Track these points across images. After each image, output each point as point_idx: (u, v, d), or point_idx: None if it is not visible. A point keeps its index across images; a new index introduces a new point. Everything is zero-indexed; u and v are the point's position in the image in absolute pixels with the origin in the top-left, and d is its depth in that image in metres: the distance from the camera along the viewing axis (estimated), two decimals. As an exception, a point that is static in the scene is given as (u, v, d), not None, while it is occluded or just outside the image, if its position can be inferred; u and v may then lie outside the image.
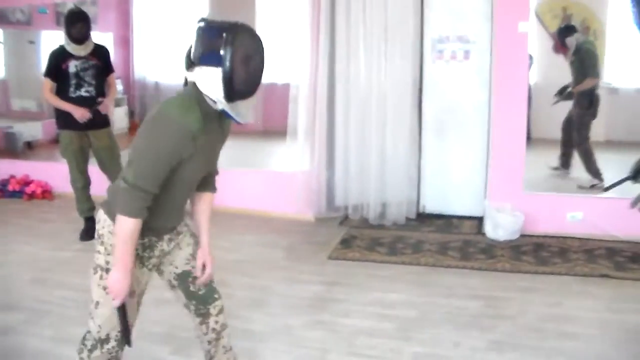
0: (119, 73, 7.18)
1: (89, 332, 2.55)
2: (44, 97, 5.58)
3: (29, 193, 7.26)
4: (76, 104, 5.44)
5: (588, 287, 4.55)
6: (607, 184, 5.83)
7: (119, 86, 7.69)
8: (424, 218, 6.28)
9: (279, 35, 6.85)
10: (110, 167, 5.62)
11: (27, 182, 7.38)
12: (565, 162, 6.70)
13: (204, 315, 2.75)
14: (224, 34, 2.22)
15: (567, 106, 6.60)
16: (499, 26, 5.64)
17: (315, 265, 5.07)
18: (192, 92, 2.33)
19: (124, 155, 5.63)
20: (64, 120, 5.49)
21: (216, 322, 2.78)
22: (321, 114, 6.15)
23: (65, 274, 4.85)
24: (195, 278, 2.69)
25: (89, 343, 2.55)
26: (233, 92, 2.26)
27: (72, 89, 5.44)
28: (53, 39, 6.95)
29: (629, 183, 2.87)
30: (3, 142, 8.34)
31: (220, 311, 2.79)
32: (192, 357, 3.47)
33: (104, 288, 2.45)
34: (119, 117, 8.46)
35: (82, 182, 5.66)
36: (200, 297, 2.72)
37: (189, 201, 2.69)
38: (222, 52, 2.21)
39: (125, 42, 8.64)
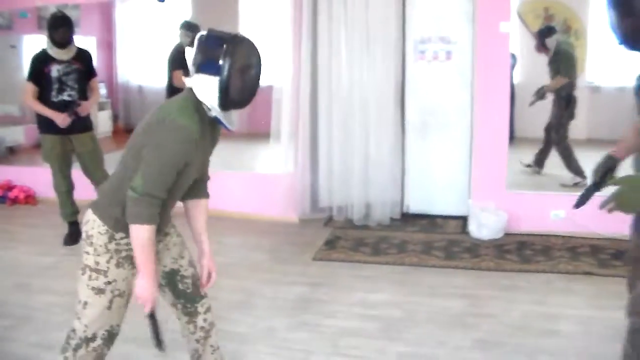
0: (102, 77, 7.16)
1: (73, 331, 2.56)
2: (26, 101, 5.54)
3: (12, 198, 7.21)
4: (58, 108, 5.41)
5: (571, 285, 4.58)
6: (589, 181, 5.89)
7: (102, 90, 7.68)
8: (408, 218, 6.29)
9: (262, 38, 6.84)
10: (94, 171, 5.60)
11: (9, 187, 7.33)
12: (539, 161, 6.75)
13: (191, 314, 2.76)
14: (225, 45, 2.32)
15: (550, 106, 6.66)
16: (481, 26, 5.67)
17: (300, 267, 5.07)
18: (189, 97, 2.41)
19: (108, 159, 5.62)
20: (46, 124, 5.46)
21: (204, 320, 2.79)
22: (304, 116, 6.16)
23: (50, 279, 4.83)
24: (183, 276, 2.72)
25: (73, 342, 2.56)
26: (228, 101, 2.36)
27: (54, 93, 5.41)
28: (35, 43, 6.92)
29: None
30: (-16, 148, 8.29)
31: (208, 309, 2.81)
32: (178, 359, 3.46)
33: (93, 289, 2.49)
34: (102, 121, 8.44)
35: (65, 187, 5.63)
36: (188, 296, 2.74)
37: (184, 210, 2.76)
38: (221, 62, 2.31)
39: (108, 45, 8.62)
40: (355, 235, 5.83)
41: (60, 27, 5.36)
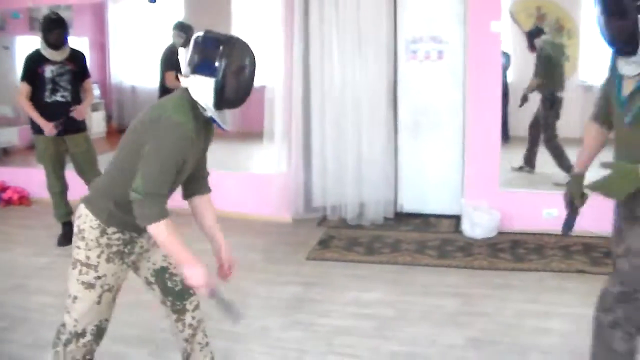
0: (95, 77, 7.15)
1: (63, 325, 2.61)
2: (19, 102, 5.54)
3: (5, 199, 7.20)
4: (52, 108, 5.42)
5: (564, 283, 4.61)
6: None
7: (96, 91, 7.66)
8: (402, 217, 6.31)
9: (254, 38, 6.85)
10: (88, 172, 5.60)
11: (3, 189, 7.32)
12: (529, 160, 6.78)
13: (180, 312, 2.78)
14: (221, 47, 2.37)
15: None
16: (472, 26, 5.69)
17: (294, 266, 5.08)
18: (185, 97, 2.44)
19: (102, 160, 5.62)
20: (39, 125, 5.46)
21: (193, 317, 2.81)
22: (297, 115, 6.17)
23: (44, 280, 4.83)
24: (172, 274, 2.74)
25: (63, 337, 2.60)
26: (223, 101, 2.41)
27: (47, 94, 5.42)
28: (27, 44, 6.91)
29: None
30: (-22, 149, 8.28)
31: (197, 307, 2.83)
32: (170, 359, 3.48)
33: (83, 283, 2.53)
34: (96, 122, 8.42)
35: (59, 188, 5.64)
36: (177, 293, 2.76)
37: (191, 211, 2.81)
38: (217, 63, 2.36)
39: (100, 46, 8.61)
40: (349, 235, 5.85)
41: (54, 29, 5.36)
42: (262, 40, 6.21)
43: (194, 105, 2.43)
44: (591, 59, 7.09)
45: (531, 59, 6.80)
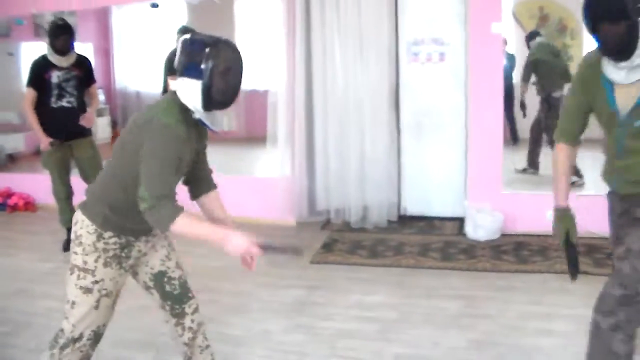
0: (100, 83, 7.18)
1: (61, 330, 2.63)
2: (24, 107, 5.55)
3: (11, 205, 7.25)
4: (58, 114, 5.46)
5: (567, 285, 4.54)
6: (582, 180, 5.98)
7: (101, 96, 7.70)
8: (405, 220, 6.31)
9: (258, 43, 6.90)
10: (93, 177, 5.53)
11: (9, 195, 7.37)
12: (532, 162, 6.79)
13: (179, 315, 2.79)
14: (207, 49, 2.37)
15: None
16: (473, 27, 5.70)
17: (297, 270, 5.08)
18: (174, 99, 2.46)
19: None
20: (45, 130, 5.48)
21: (192, 320, 2.82)
22: (300, 119, 6.20)
23: (49, 285, 4.85)
24: (170, 278, 2.75)
25: (61, 341, 2.61)
26: (211, 103, 2.41)
27: (53, 99, 5.45)
28: (32, 50, 6.95)
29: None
30: (-16, 155, 8.33)
31: (196, 310, 2.84)
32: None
33: (80, 288, 2.55)
34: (101, 127, 8.45)
35: (64, 193, 5.66)
36: (175, 297, 2.77)
37: (201, 210, 2.80)
38: (203, 65, 2.36)
39: (105, 52, 8.65)
40: (353, 238, 5.85)
41: (61, 35, 5.39)
42: (265, 45, 6.25)
43: (183, 108, 2.44)
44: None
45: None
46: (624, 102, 2.45)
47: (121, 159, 2.50)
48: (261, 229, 6.13)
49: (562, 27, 7.51)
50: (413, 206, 6.40)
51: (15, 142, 8.50)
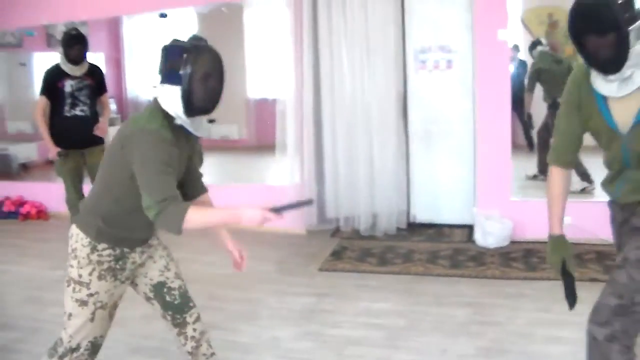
0: (112, 92, 7.24)
1: (60, 340, 2.65)
2: (36, 115, 5.60)
3: (23, 214, 7.32)
4: (71, 122, 5.52)
5: (577, 292, 4.57)
6: (593, 185, 5.96)
7: (112, 106, 7.75)
8: (415, 228, 6.31)
9: (267, 52, 6.94)
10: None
11: (21, 203, 7.44)
12: (543, 168, 6.75)
13: (181, 325, 2.79)
14: (184, 55, 2.37)
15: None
16: (479, 35, 5.72)
17: (306, 278, 5.10)
18: (157, 107, 2.46)
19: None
20: (58, 139, 5.53)
21: (194, 329, 2.81)
22: (308, 127, 6.23)
23: (60, 292, 4.75)
24: (170, 288, 2.75)
25: (60, 350, 2.64)
26: (192, 108, 2.41)
27: (67, 108, 5.51)
28: (45, 60, 7.02)
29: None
30: (-1, 164, 8.40)
31: (197, 319, 2.83)
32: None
33: (76, 300, 2.56)
34: (113, 136, 8.49)
35: (77, 201, 5.69)
36: (176, 307, 2.77)
37: None
38: (181, 71, 2.36)
39: (116, 61, 8.71)
40: (362, 246, 5.86)
41: (75, 44, 5.45)
42: (274, 53, 6.28)
43: (166, 114, 2.44)
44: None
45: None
46: (622, 118, 2.36)
47: (111, 171, 2.51)
48: (272, 237, 6.20)
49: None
50: (422, 214, 6.39)
51: (28, 152, 8.57)
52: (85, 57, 5.56)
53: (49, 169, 6.93)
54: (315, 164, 6.35)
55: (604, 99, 2.38)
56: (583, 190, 6.08)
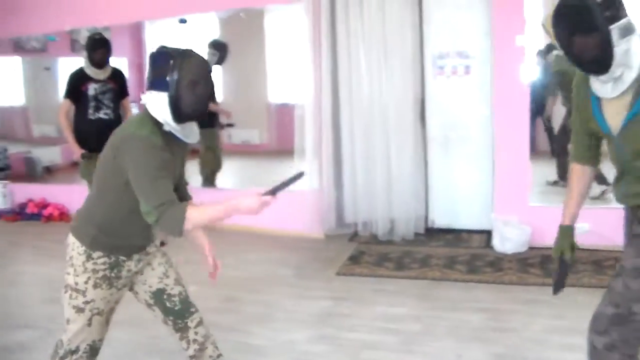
0: (134, 97, 7.31)
1: (60, 341, 2.71)
2: (59, 117, 5.67)
3: (46, 215, 7.42)
4: (96, 125, 5.57)
5: (594, 299, 4.45)
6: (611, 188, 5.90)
7: (135, 110, 7.83)
8: (433, 233, 6.31)
9: (288, 57, 6.98)
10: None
11: (44, 205, 7.54)
12: (563, 175, 6.72)
13: (182, 330, 2.81)
14: (171, 61, 2.39)
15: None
16: (497, 40, 5.71)
17: (323, 282, 5.12)
18: (146, 114, 2.48)
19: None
20: (82, 142, 5.59)
21: (196, 333, 2.82)
22: (327, 132, 6.26)
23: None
24: (170, 295, 2.77)
25: (60, 352, 2.69)
26: (180, 115, 2.43)
27: (91, 111, 5.59)
28: (69, 65, 7.11)
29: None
30: (23, 167, 8.52)
31: (199, 323, 2.84)
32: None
33: (73, 307, 2.61)
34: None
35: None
36: (177, 312, 2.79)
37: None
38: (168, 78, 2.38)
39: (139, 67, 8.80)
40: (380, 250, 5.88)
41: (99, 48, 5.55)
42: (296, 59, 6.32)
43: (155, 121, 2.46)
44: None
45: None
46: (614, 121, 2.36)
47: (104, 179, 2.55)
48: (290, 241, 6.23)
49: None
50: (440, 219, 6.39)
51: (52, 155, 8.68)
52: (108, 61, 5.65)
53: (72, 172, 7.01)
54: (333, 168, 6.38)
55: (598, 102, 2.39)
56: (602, 194, 6.03)
